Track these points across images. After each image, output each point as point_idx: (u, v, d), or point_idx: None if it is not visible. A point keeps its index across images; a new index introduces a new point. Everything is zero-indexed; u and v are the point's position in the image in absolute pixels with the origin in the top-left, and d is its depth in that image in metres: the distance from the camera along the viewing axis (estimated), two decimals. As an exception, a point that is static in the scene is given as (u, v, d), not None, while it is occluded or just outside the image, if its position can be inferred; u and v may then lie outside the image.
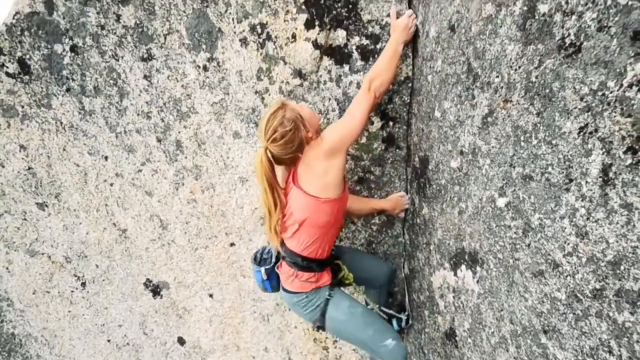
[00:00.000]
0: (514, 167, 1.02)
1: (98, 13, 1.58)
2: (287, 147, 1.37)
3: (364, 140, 1.74)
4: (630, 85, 0.70)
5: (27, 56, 1.67)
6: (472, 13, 1.13)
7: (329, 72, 1.64)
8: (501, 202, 1.09)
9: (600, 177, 0.78)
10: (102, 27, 1.60)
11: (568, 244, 0.88)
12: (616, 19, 0.71)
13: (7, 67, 1.69)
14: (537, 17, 0.90)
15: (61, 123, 1.77)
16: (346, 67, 1.63)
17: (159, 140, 1.80)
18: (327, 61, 1.63)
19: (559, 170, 0.88)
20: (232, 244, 2.02)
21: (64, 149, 1.82)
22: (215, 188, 1.89)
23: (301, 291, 1.53)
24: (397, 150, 1.76)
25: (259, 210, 1.90)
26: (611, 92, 0.74)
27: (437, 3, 1.33)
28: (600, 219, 0.80)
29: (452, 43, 1.26)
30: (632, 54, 0.69)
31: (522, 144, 0.98)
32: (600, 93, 0.76)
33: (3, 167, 1.86)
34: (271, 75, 1.65)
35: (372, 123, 1.71)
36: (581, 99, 0.80)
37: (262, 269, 1.61)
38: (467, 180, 1.25)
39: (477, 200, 1.20)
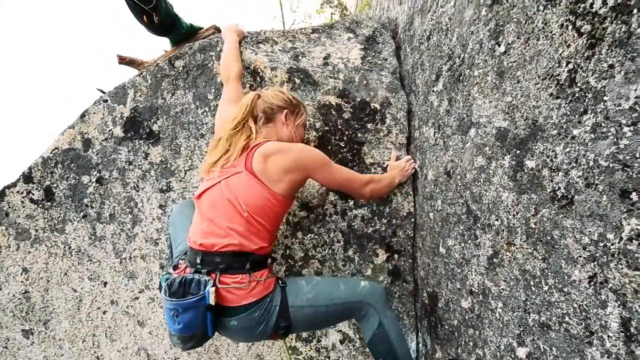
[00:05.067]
0: (529, 314, 0.98)
1: (129, 151, 1.76)
2: (275, 98, 1.39)
3: (369, 272, 1.72)
4: (630, 239, 0.73)
5: (55, 185, 1.80)
6: (465, 163, 1.26)
7: (335, 206, 1.73)
8: (521, 352, 1.01)
9: (621, 331, 0.75)
10: (130, 163, 1.77)
11: (604, 409, 0.78)
12: (601, 178, 0.78)
13: (32, 194, 1.80)
14: (526, 171, 0.99)
15: (69, 247, 1.80)
16: (351, 202, 1.72)
17: (162, 267, 1.78)
18: (332, 196, 1.73)
19: (576, 321, 0.85)
20: (223, 388, 1.80)
21: (66, 274, 1.80)
22: (212, 320, 1.78)
23: (264, 295, 1.22)
24: (404, 284, 1.72)
25: (255, 346, 1.75)
26: (612, 244, 0.76)
27: (432, 152, 1.49)
28: (633, 380, 0.73)
29: (449, 186, 1.36)
30: (625, 210, 0.74)
31: (533, 289, 0.97)
32: (601, 244, 0.78)
33: (0, 289, 1.81)
34: (280, 208, 1.74)
35: (377, 255, 1.72)
36: (584, 249, 0.82)
37: (210, 290, 1.12)
38: (481, 323, 1.18)
39: (494, 347, 1.12)
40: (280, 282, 1.30)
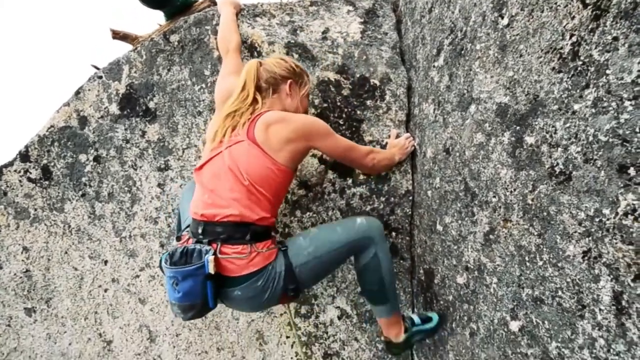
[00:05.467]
0: (523, 288, 0.99)
1: (126, 129, 1.75)
2: (278, 67, 1.36)
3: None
4: (626, 214, 0.73)
5: (52, 164, 1.79)
6: (464, 139, 1.24)
7: (333, 184, 1.72)
8: (514, 325, 1.03)
9: (613, 305, 0.76)
10: (127, 141, 1.75)
11: (594, 379, 0.81)
12: (600, 153, 0.77)
13: (30, 173, 1.79)
14: (525, 147, 0.98)
15: (69, 226, 1.80)
16: (349, 180, 1.72)
17: (162, 246, 1.80)
18: (331, 174, 1.73)
19: (569, 294, 0.86)
20: (224, 361, 1.84)
21: (66, 252, 1.81)
22: (212, 297, 1.81)
23: (265, 264, 1.21)
24: (401, 261, 1.74)
25: (255, 322, 1.79)
26: (608, 220, 0.76)
27: (431, 129, 1.47)
28: (621, 351, 0.75)
29: (448, 164, 1.35)
30: (622, 185, 0.73)
31: (528, 264, 0.98)
32: (597, 219, 0.78)
33: (1, 268, 1.83)
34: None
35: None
36: (579, 224, 0.83)
37: (209, 258, 1.11)
38: (476, 298, 1.20)
39: (488, 321, 1.14)
40: (281, 246, 1.29)
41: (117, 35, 2.01)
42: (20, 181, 1.80)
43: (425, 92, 1.56)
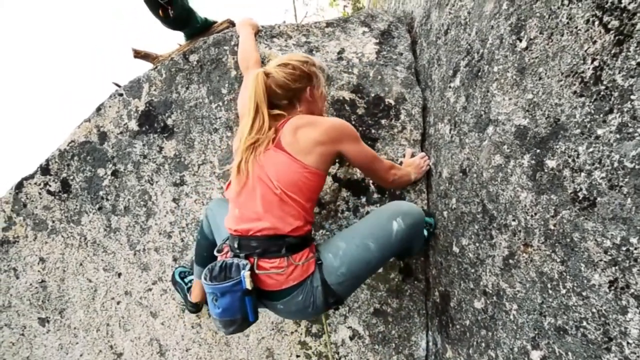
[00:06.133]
0: (545, 317, 0.96)
1: (144, 145, 1.78)
2: (291, 80, 1.25)
3: (380, 269, 1.71)
4: (654, 244, 0.70)
5: (71, 177, 1.83)
6: (482, 161, 1.23)
7: (347, 202, 1.72)
8: (535, 355, 0.99)
9: (643, 339, 0.72)
10: (145, 156, 1.78)
11: (623, 417, 0.77)
12: (626, 180, 0.75)
13: (49, 186, 1.83)
14: (546, 171, 0.96)
15: (85, 238, 1.83)
16: (363, 199, 1.71)
17: (175, 260, 1.80)
18: (345, 192, 1.72)
19: (594, 325, 0.82)
20: (233, 380, 1.82)
21: (81, 264, 1.83)
22: (223, 313, 1.80)
23: (304, 278, 1.17)
24: (416, 282, 1.70)
25: (265, 340, 1.76)
26: (636, 249, 0.73)
27: (447, 149, 1.46)
28: (654, 389, 0.71)
29: (465, 185, 1.33)
30: (648, 214, 0.71)
31: (550, 292, 0.95)
32: (624, 248, 0.76)
33: (17, 278, 1.86)
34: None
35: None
36: (605, 252, 0.80)
37: (245, 274, 1.09)
38: (495, 324, 1.16)
39: (507, 350, 1.10)
40: (318, 260, 1.23)
41: (139, 54, 2.07)
42: (40, 193, 1.84)
43: (441, 113, 1.55)
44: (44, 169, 1.85)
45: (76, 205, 1.83)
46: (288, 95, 1.29)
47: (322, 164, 1.23)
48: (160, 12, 1.76)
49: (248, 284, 1.10)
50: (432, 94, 1.67)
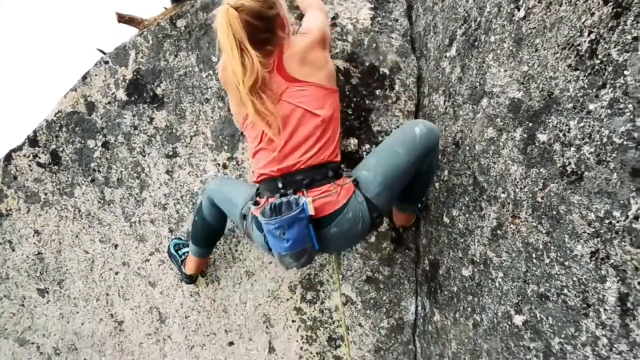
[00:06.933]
0: (529, 284, 1.01)
1: (134, 116, 1.75)
2: (266, 7, 1.18)
3: (372, 239, 1.75)
4: (637, 218, 0.73)
5: (61, 149, 1.80)
6: (475, 134, 1.24)
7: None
8: (518, 320, 1.05)
9: (618, 306, 0.77)
10: (135, 128, 1.75)
11: (595, 375, 0.83)
12: (614, 155, 0.77)
13: (39, 158, 1.81)
14: (537, 145, 0.98)
15: (79, 211, 1.83)
16: (357, 170, 1.72)
17: (171, 231, 1.82)
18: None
19: (575, 293, 0.87)
20: (231, 343, 1.90)
21: (77, 236, 1.85)
22: (220, 281, 1.85)
23: (350, 196, 1.21)
24: (407, 251, 1.76)
25: (262, 307, 1.83)
26: (618, 222, 0.76)
27: (441, 121, 1.46)
28: (624, 351, 0.76)
29: (457, 157, 1.35)
30: (634, 189, 0.73)
31: (535, 261, 0.99)
32: (607, 221, 0.79)
33: (14, 250, 1.88)
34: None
35: (382, 222, 1.74)
36: (589, 225, 0.83)
37: (307, 201, 1.13)
38: (481, 291, 1.22)
39: (492, 314, 1.16)
40: (354, 181, 1.27)
41: (123, 19, 1.98)
42: (30, 166, 1.82)
43: (435, 83, 1.54)
44: (32, 141, 1.81)
45: (68, 178, 1.82)
46: (269, 26, 1.21)
47: (333, 78, 1.32)
48: None
49: (311, 210, 1.13)
50: (427, 64, 1.65)
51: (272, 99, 1.19)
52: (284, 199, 1.16)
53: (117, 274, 1.88)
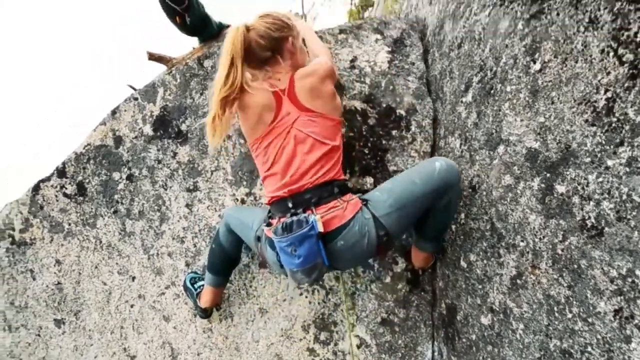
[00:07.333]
0: (551, 339, 0.98)
1: (158, 150, 1.82)
2: (273, 29, 1.32)
3: (388, 279, 1.73)
4: (661, 279, 0.72)
5: (87, 180, 1.88)
6: (491, 179, 1.25)
7: (357, 212, 1.74)
8: (540, 375, 1.01)
9: (647, 369, 0.74)
10: (159, 162, 1.82)
11: None
12: (634, 213, 0.77)
13: (66, 188, 1.88)
14: (555, 195, 0.98)
15: (100, 242, 1.88)
16: (373, 209, 1.73)
17: (187, 265, 1.85)
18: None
19: (599, 352, 0.84)
20: (241, 382, 1.87)
21: (97, 267, 1.89)
22: (233, 317, 1.84)
23: (357, 210, 1.26)
24: (423, 293, 1.73)
25: (274, 346, 1.81)
26: (642, 282, 0.75)
27: (457, 163, 1.48)
28: (657, 419, 0.73)
29: (474, 201, 1.35)
30: (656, 249, 0.73)
31: (557, 315, 0.97)
32: (629, 279, 0.78)
33: (34, 279, 1.92)
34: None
35: (397, 263, 1.73)
36: (611, 282, 0.82)
37: (317, 217, 1.20)
38: (501, 342, 1.19)
39: (513, 367, 1.13)
40: (363, 201, 1.33)
41: (153, 57, 2.10)
42: (56, 196, 1.89)
43: (451, 126, 1.57)
44: (61, 172, 1.89)
45: (92, 209, 1.88)
46: (270, 46, 1.34)
47: (338, 108, 1.40)
48: (177, 19, 1.78)
49: (320, 227, 1.19)
50: (442, 106, 1.68)
51: (283, 122, 1.31)
52: (294, 218, 1.21)
53: (132, 306, 1.90)
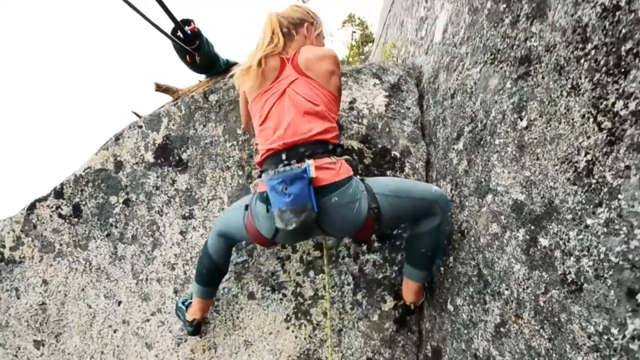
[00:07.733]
0: (533, 391, 1.00)
1: (157, 177, 1.85)
2: (295, 12, 1.55)
3: (375, 317, 1.74)
4: (633, 338, 0.75)
5: (83, 202, 1.89)
6: (480, 226, 1.29)
7: (349, 249, 1.77)
8: None
9: None
10: (157, 188, 1.85)
11: None
12: (610, 272, 0.81)
13: (61, 209, 1.89)
14: (539, 248, 1.02)
15: (90, 264, 1.87)
16: (364, 247, 1.76)
17: (175, 292, 1.84)
18: (347, 240, 1.78)
19: (579, 407, 0.86)
20: (221, 418, 1.81)
21: (83, 289, 1.87)
22: (217, 349, 1.82)
23: (350, 174, 1.34)
24: (409, 333, 1.73)
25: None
26: (615, 340, 0.78)
27: (449, 208, 1.53)
28: None
29: (462, 246, 1.39)
30: (630, 309, 0.77)
31: (538, 366, 0.99)
32: (605, 337, 0.81)
33: (18, 298, 1.89)
34: (294, 245, 1.79)
35: (385, 301, 1.74)
36: (589, 337, 0.85)
37: (310, 163, 1.26)
38: (484, 390, 1.19)
39: (496, 417, 1.13)
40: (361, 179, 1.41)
41: (160, 88, 2.18)
42: (50, 216, 1.90)
43: (443, 171, 1.63)
44: (58, 193, 1.91)
45: (85, 230, 1.88)
46: (289, 24, 1.53)
47: (337, 88, 1.49)
48: (187, 58, 1.86)
49: (312, 172, 1.23)
50: (435, 150, 1.76)
51: (280, 84, 1.42)
52: (287, 168, 1.28)
53: (115, 331, 1.86)
